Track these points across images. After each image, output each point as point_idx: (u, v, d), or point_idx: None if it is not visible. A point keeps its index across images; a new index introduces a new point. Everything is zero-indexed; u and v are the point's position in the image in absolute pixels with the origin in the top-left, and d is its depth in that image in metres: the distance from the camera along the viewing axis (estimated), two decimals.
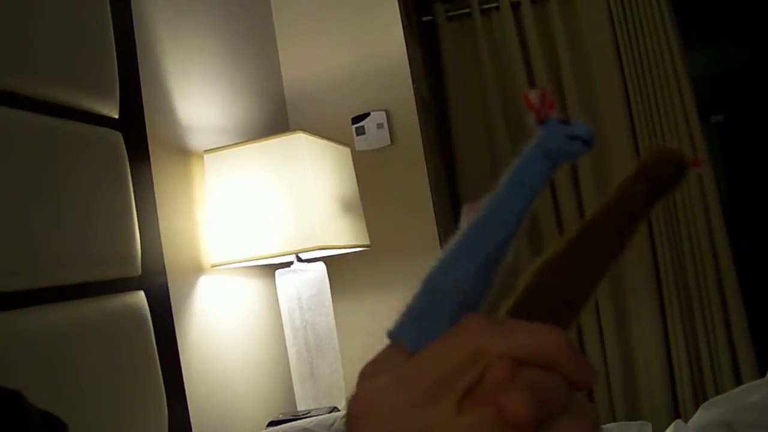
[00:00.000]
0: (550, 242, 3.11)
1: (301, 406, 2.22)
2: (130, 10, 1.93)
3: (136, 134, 1.84)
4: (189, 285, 2.06)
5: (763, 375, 2.36)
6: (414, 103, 2.90)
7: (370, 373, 0.43)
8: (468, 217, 0.47)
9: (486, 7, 3.52)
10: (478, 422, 0.37)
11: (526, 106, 0.46)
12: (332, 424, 1.85)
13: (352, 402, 0.41)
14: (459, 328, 0.40)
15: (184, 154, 2.15)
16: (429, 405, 0.38)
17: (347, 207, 2.28)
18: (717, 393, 2.97)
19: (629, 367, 3.29)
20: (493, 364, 0.38)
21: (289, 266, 2.23)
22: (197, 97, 2.29)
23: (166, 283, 1.88)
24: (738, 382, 3.04)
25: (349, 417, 0.41)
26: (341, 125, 2.90)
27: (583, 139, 0.46)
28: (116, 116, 1.72)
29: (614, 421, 3.20)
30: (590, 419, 0.39)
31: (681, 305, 3.22)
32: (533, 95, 0.46)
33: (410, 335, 0.44)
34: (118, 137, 1.70)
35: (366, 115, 2.90)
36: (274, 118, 2.88)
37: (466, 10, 3.56)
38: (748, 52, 4.83)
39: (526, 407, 0.35)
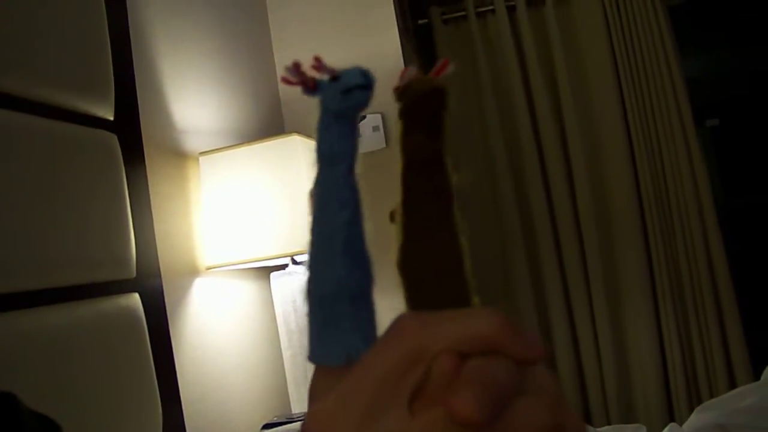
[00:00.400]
0: (545, 245, 3.11)
1: (295, 409, 2.21)
2: (126, 12, 1.92)
3: (131, 136, 1.83)
4: (184, 287, 2.06)
5: (757, 378, 2.37)
6: None
7: (314, 398, 0.43)
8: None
9: (481, 10, 3.52)
10: (432, 424, 0.36)
11: (287, 85, 0.45)
12: None
13: (305, 428, 0.39)
14: (391, 331, 0.39)
15: (179, 156, 2.15)
16: (380, 415, 0.37)
17: None
18: (711, 396, 2.97)
19: (624, 370, 3.30)
20: (435, 360, 0.37)
21: (284, 269, 2.23)
22: (193, 99, 2.28)
23: (161, 286, 1.88)
24: (732, 385, 3.04)
25: None
26: None
27: (358, 85, 0.44)
28: (111, 118, 1.72)
29: (609, 424, 3.20)
30: (548, 393, 0.38)
31: (675, 308, 3.22)
32: (287, 73, 0.45)
33: (326, 353, 0.43)
34: (113, 139, 1.70)
35: (361, 118, 2.90)
36: (270, 120, 2.88)
37: (462, 13, 3.57)
38: (742, 56, 4.84)
39: (477, 406, 0.34)
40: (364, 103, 0.44)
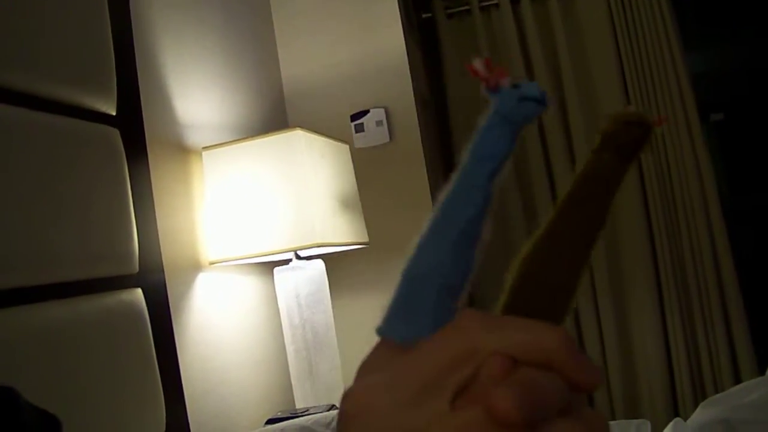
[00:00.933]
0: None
1: (299, 404, 2.21)
2: (129, 6, 1.92)
3: (133, 131, 1.83)
4: (187, 282, 2.06)
5: (762, 373, 2.36)
6: (413, 101, 2.89)
7: (364, 372, 0.43)
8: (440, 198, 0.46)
9: (485, 4, 3.51)
10: (469, 421, 0.35)
11: (474, 76, 0.46)
12: (330, 422, 1.85)
13: (345, 400, 0.40)
14: (453, 325, 0.39)
15: (182, 151, 2.14)
16: (421, 404, 0.37)
17: (346, 204, 2.27)
18: (716, 391, 2.96)
19: (629, 365, 3.29)
20: (486, 362, 0.37)
21: (287, 264, 2.22)
22: (196, 94, 2.28)
23: (164, 281, 1.87)
24: (737, 380, 3.04)
25: (342, 415, 0.40)
26: (340, 122, 2.90)
27: (535, 98, 0.45)
28: (114, 113, 1.72)
29: (613, 419, 3.19)
30: (592, 427, 0.38)
31: (681, 304, 3.21)
32: (478, 64, 0.46)
33: (397, 329, 0.43)
34: (115, 134, 1.69)
35: (365, 113, 2.89)
36: (273, 115, 2.87)
37: (466, 7, 3.55)
38: (746, 51, 4.83)
39: (515, 405, 0.34)
40: (534, 116, 0.46)
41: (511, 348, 0.37)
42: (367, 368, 0.43)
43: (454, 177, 0.45)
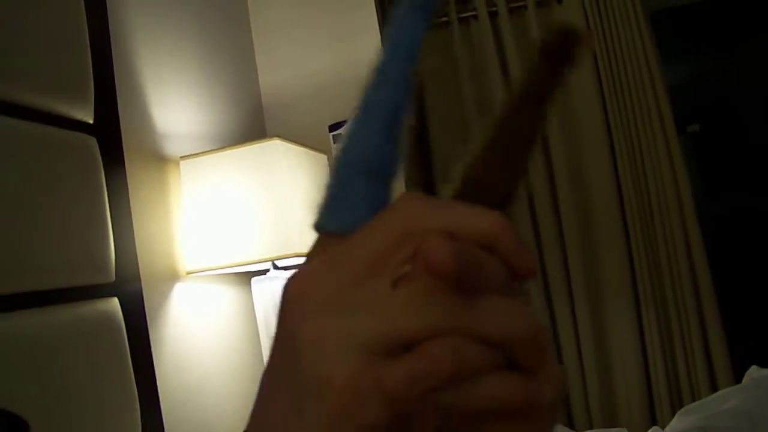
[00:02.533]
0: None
1: None
2: (106, 14, 1.91)
3: (111, 139, 1.82)
4: (164, 292, 2.04)
5: (738, 381, 2.38)
6: None
7: (308, 260, 0.43)
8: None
9: (464, 15, 3.53)
10: (412, 293, 0.35)
11: None
12: None
13: (288, 283, 0.39)
14: (393, 206, 0.39)
15: (159, 160, 2.13)
16: (364, 282, 0.37)
17: None
18: (693, 400, 2.98)
19: (606, 373, 3.30)
20: (425, 239, 0.36)
21: (265, 274, 2.22)
22: (174, 103, 2.27)
23: (141, 290, 1.86)
24: (714, 388, 3.05)
25: (284, 298, 0.39)
26: (319, 132, 2.89)
27: None
28: (91, 121, 1.71)
29: (591, 428, 3.20)
30: (525, 306, 0.37)
31: (658, 312, 3.23)
32: None
33: (331, 220, 0.43)
34: (92, 142, 1.69)
35: (344, 123, 2.89)
36: (251, 124, 2.87)
37: (444, 18, 3.56)
38: (722, 61, 4.87)
39: (449, 254, 0.34)
40: None
41: (450, 224, 0.37)
42: (308, 257, 0.43)
43: (375, 66, 0.46)
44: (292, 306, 0.38)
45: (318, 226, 0.44)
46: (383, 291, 0.36)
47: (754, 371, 2.28)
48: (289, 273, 0.41)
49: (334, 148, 2.87)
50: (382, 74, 0.46)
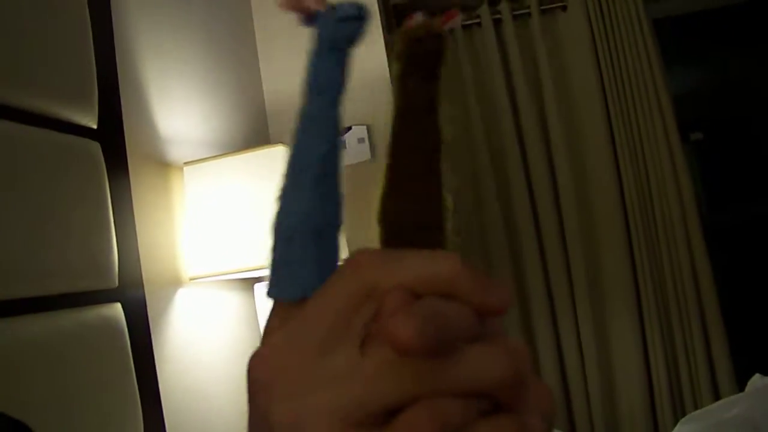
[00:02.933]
0: (531, 259, 3.10)
1: None
2: (111, 20, 1.92)
3: (114, 145, 1.82)
4: (167, 298, 2.04)
5: (742, 389, 2.37)
6: None
7: (265, 336, 0.41)
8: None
9: (468, 22, 3.53)
10: (380, 363, 0.34)
11: (285, 10, 0.46)
12: None
13: (251, 366, 0.38)
14: (345, 264, 0.38)
15: (163, 165, 2.13)
16: (330, 351, 0.35)
17: None
18: (696, 408, 2.98)
19: (609, 382, 3.29)
20: (386, 297, 0.35)
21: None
22: (178, 109, 2.28)
23: (144, 296, 1.86)
24: (717, 396, 3.05)
25: (252, 384, 0.38)
26: None
27: (353, 15, 0.44)
28: (95, 126, 1.71)
29: None
30: (507, 346, 0.35)
31: (660, 321, 3.22)
32: (284, 3, 0.45)
33: (284, 287, 0.42)
34: (96, 147, 1.69)
35: (347, 129, 2.90)
36: (255, 130, 2.87)
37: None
38: (727, 70, 4.87)
39: (414, 331, 0.32)
40: (356, 33, 0.45)
41: (409, 280, 0.35)
42: (267, 332, 0.42)
43: (298, 116, 0.45)
44: (261, 390, 0.37)
45: (271, 295, 0.43)
46: (352, 358, 0.35)
47: (757, 379, 2.27)
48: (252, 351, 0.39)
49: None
50: (309, 121, 0.44)
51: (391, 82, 0.45)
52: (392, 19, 3.33)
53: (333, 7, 0.45)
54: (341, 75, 0.45)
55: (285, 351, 0.37)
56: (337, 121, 0.44)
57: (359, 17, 0.44)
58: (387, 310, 0.34)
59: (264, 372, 0.37)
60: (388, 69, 2.91)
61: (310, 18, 0.46)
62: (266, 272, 0.43)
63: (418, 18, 0.44)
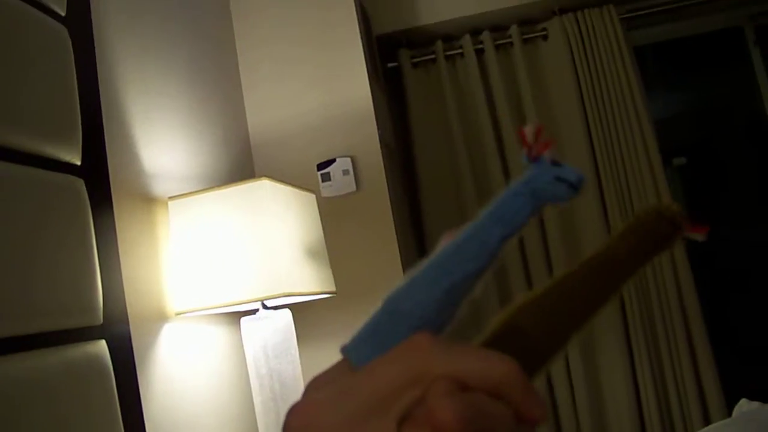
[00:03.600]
0: (517, 287, 3.09)
1: None
2: (94, 55, 1.92)
3: (98, 181, 1.82)
4: (152, 333, 2.03)
5: (731, 414, 2.36)
6: (379, 149, 2.91)
7: (313, 387, 0.42)
8: (444, 243, 0.45)
9: (451, 53, 3.56)
10: None
11: (520, 140, 0.46)
12: None
13: (291, 414, 0.40)
14: (405, 345, 0.39)
15: (148, 200, 2.13)
16: (368, 422, 0.37)
17: (313, 254, 2.27)
18: None
19: (599, 412, 3.29)
20: (433, 384, 0.36)
21: (254, 313, 2.21)
22: (162, 144, 2.28)
23: (129, 332, 1.85)
24: (707, 422, 3.04)
25: (285, 429, 0.39)
26: (307, 171, 2.90)
27: (570, 182, 0.45)
28: (78, 163, 1.70)
29: None
30: None
31: (649, 349, 3.23)
32: (528, 130, 0.45)
33: (360, 352, 0.42)
34: (80, 184, 1.68)
35: (331, 162, 2.90)
36: (240, 164, 2.87)
37: (431, 56, 3.60)
38: (707, 95, 4.92)
39: (457, 417, 0.34)
40: (563, 199, 0.45)
41: (460, 372, 0.37)
42: (316, 384, 0.43)
43: (467, 229, 0.45)
44: None
45: (346, 351, 0.43)
46: (387, 431, 0.36)
47: (743, 404, 2.27)
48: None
49: (323, 186, 2.87)
50: (474, 240, 0.44)
51: (616, 230, 0.47)
52: (374, 48, 3.34)
53: (556, 163, 0.45)
54: (525, 219, 0.45)
55: (326, 409, 0.38)
56: (497, 254, 0.44)
57: (574, 186, 0.45)
58: (435, 392, 0.36)
59: (301, 423, 0.39)
60: (371, 101, 2.92)
61: (533, 159, 0.46)
62: (357, 329, 0.44)
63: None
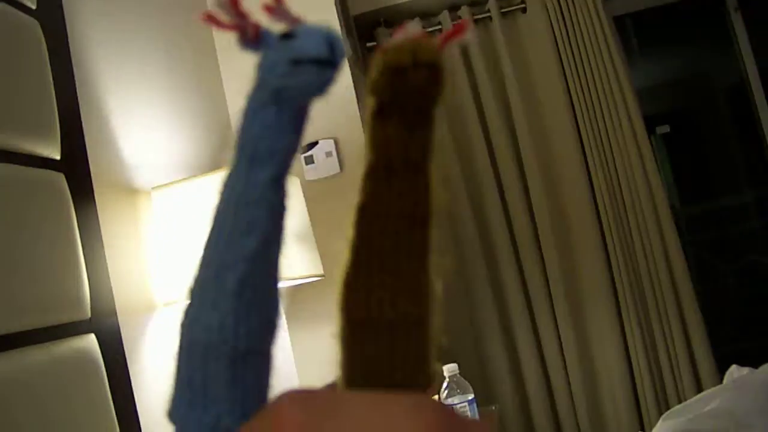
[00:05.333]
0: (505, 261, 3.09)
1: None
2: (68, 48, 1.89)
3: (79, 175, 1.80)
4: (141, 325, 2.02)
5: (722, 381, 2.38)
6: (362, 130, 2.89)
7: None
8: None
9: (429, 30, 3.54)
10: None
11: (212, 25, 0.32)
12: None
13: None
14: (266, 420, 0.29)
15: (130, 192, 2.12)
16: None
17: (299, 237, 2.26)
18: (679, 401, 2.99)
19: (591, 381, 3.30)
20: None
21: None
22: (142, 134, 2.26)
23: (118, 325, 1.84)
24: (699, 388, 3.06)
25: None
26: None
27: (315, 59, 0.30)
28: (58, 157, 1.69)
29: None
30: None
31: (639, 316, 3.24)
32: (221, 6, 0.32)
33: (186, 421, 0.33)
34: (60, 178, 1.67)
35: (314, 144, 2.89)
36: (222, 151, 2.86)
37: None
38: (690, 63, 4.92)
39: None
40: (320, 88, 0.31)
41: None
42: None
43: (221, 190, 0.33)
44: None
45: (175, 423, 0.34)
46: None
47: (734, 370, 2.29)
48: None
49: (306, 169, 2.86)
50: (236, 202, 0.32)
51: (363, 125, 0.32)
52: (352, 29, 3.32)
53: (288, 35, 0.31)
54: (289, 141, 0.32)
55: None
56: (278, 205, 0.32)
57: (328, 61, 0.30)
58: None
59: None
60: (352, 82, 2.91)
61: (253, 39, 0.32)
62: (171, 387, 0.34)
63: (413, 28, 0.31)
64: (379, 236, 0.32)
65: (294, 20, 0.31)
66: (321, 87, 0.31)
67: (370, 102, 0.32)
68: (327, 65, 0.30)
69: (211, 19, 0.30)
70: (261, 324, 0.32)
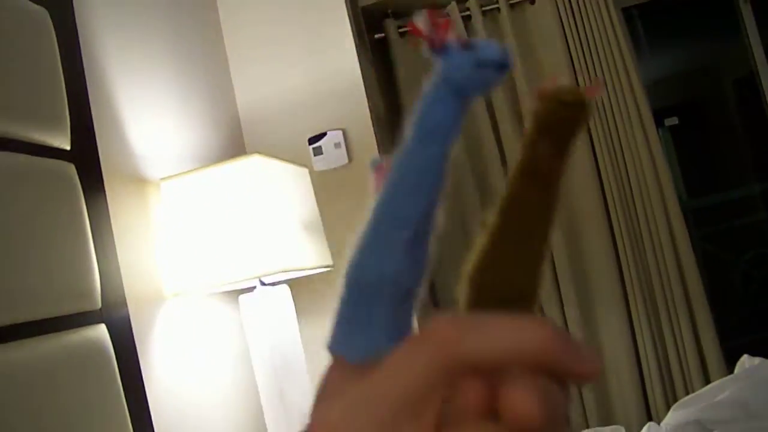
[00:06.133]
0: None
1: (271, 431, 2.19)
2: (77, 38, 1.90)
3: (89, 165, 1.81)
4: (151, 315, 2.03)
5: (730, 371, 2.38)
6: (370, 121, 2.89)
7: (321, 401, 0.38)
8: (378, 185, 0.39)
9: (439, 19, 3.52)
10: None
11: (414, 36, 0.38)
12: None
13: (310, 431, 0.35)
14: (423, 335, 0.34)
15: (140, 182, 2.12)
16: (401, 427, 0.32)
17: (308, 228, 2.26)
18: (687, 393, 2.98)
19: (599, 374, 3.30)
20: (462, 388, 0.32)
21: (252, 290, 2.20)
22: (152, 125, 2.26)
23: (128, 315, 1.85)
24: (707, 380, 3.06)
25: None
26: (298, 146, 2.89)
27: (494, 63, 0.38)
28: (68, 147, 1.69)
29: (588, 427, 3.20)
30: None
31: (647, 307, 3.23)
32: (419, 21, 0.38)
33: (350, 346, 0.38)
34: (70, 169, 1.67)
35: (323, 135, 2.89)
36: (231, 142, 2.86)
37: None
38: (698, 55, 4.91)
39: (537, 407, 0.30)
40: (490, 86, 0.39)
41: (496, 354, 0.32)
42: (324, 396, 0.38)
43: (397, 161, 0.39)
44: None
45: (333, 350, 0.39)
46: None
47: (745, 360, 2.29)
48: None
49: (315, 160, 2.86)
50: (411, 171, 0.38)
51: (523, 137, 0.40)
52: (360, 20, 3.32)
53: (470, 45, 0.38)
54: (459, 124, 0.39)
55: (348, 418, 0.33)
56: (443, 175, 0.38)
57: (501, 66, 0.38)
58: (464, 405, 0.32)
59: None
60: (360, 73, 2.91)
61: (438, 47, 0.38)
62: (332, 322, 0.39)
63: (563, 81, 0.39)
64: (517, 226, 0.40)
65: (467, 39, 0.39)
66: (494, 84, 0.39)
67: (531, 124, 0.40)
68: (502, 68, 0.38)
69: (412, 28, 0.38)
70: (418, 271, 0.39)
